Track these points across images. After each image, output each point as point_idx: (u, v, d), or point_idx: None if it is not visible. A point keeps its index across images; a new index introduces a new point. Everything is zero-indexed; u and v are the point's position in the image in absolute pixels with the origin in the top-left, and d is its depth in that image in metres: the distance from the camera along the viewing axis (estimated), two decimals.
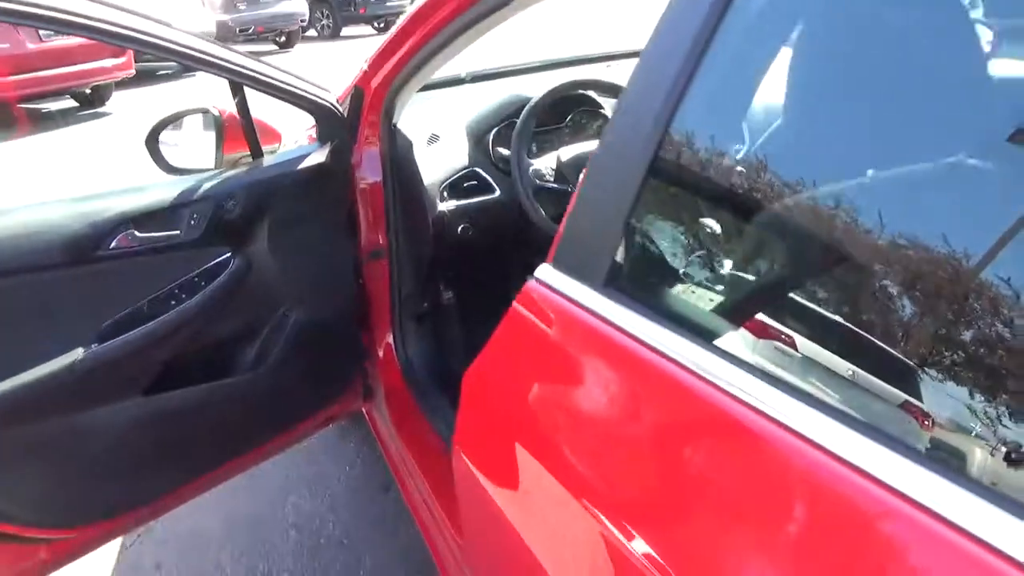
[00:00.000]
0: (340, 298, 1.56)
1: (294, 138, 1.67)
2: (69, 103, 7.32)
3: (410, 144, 1.51)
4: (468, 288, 1.85)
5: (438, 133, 1.68)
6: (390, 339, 1.64)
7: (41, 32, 5.66)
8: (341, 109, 1.45)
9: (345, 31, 12.76)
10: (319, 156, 1.41)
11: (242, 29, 10.54)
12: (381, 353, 1.68)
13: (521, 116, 1.49)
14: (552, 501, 0.72)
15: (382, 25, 12.27)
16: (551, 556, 0.73)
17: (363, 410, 1.82)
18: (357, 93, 1.46)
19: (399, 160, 1.51)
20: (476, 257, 1.73)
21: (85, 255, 1.17)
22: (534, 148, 1.63)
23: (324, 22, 12.82)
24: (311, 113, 1.41)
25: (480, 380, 0.87)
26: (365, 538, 1.80)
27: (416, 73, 1.37)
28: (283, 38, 11.27)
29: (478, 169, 1.65)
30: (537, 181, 1.53)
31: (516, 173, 1.45)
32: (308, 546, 1.78)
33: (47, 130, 6.43)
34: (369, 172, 1.50)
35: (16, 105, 6.24)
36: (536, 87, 1.65)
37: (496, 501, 0.83)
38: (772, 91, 0.65)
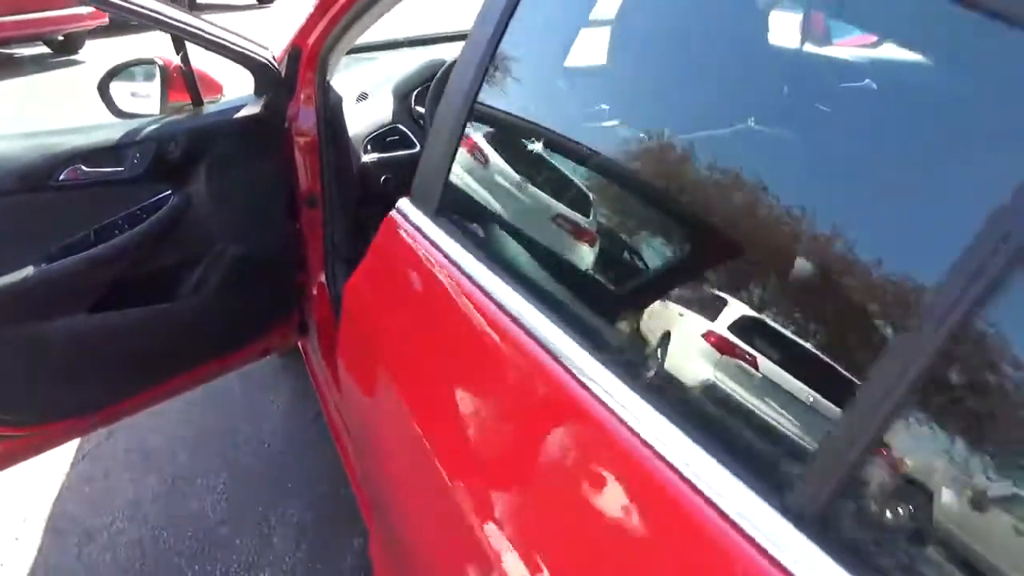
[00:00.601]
0: (276, 238, 1.73)
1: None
2: (42, 49, 7.27)
3: (340, 99, 1.67)
4: None
5: (367, 92, 1.84)
6: (323, 279, 1.82)
7: None
8: (278, 65, 1.61)
9: None
10: (254, 107, 1.57)
11: None
12: (315, 292, 1.86)
13: (435, 77, 1.65)
14: (395, 400, 0.90)
15: None
16: (399, 449, 0.90)
17: (299, 344, 2.00)
18: (295, 51, 1.62)
19: (331, 115, 1.67)
20: None
21: (38, 184, 1.33)
22: None
23: None
24: (247, 67, 1.56)
25: (352, 295, 1.05)
26: (295, 456, 2.00)
27: (346, 32, 1.52)
28: None
29: (400, 126, 1.81)
30: None
31: (428, 128, 1.61)
32: (244, 463, 1.97)
33: (18, 75, 6.41)
34: (305, 125, 1.66)
35: None
36: None
37: (365, 403, 1.01)
38: (568, 57, 0.84)
